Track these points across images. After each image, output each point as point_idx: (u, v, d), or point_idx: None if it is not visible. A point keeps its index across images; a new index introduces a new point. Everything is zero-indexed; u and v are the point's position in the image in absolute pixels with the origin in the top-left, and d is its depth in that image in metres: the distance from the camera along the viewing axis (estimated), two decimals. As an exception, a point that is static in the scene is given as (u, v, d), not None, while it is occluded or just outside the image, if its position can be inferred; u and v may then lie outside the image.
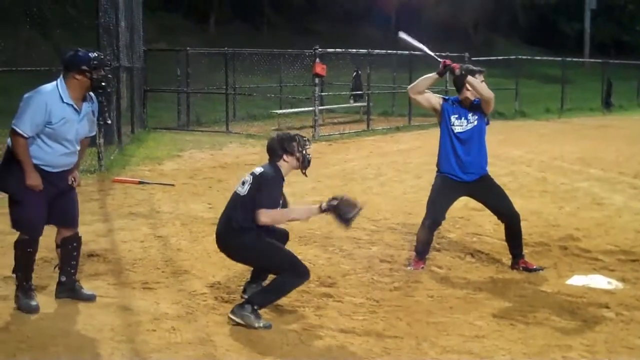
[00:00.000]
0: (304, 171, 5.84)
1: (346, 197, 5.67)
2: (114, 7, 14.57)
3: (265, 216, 5.47)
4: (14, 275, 5.74)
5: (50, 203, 5.64)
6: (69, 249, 5.90)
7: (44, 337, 5.23)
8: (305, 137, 5.88)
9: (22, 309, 5.61)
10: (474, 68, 6.97)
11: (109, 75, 5.83)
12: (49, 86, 5.53)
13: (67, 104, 5.50)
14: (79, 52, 5.60)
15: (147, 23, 22.51)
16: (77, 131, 5.63)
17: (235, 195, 5.69)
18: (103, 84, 5.67)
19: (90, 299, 5.92)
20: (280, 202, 5.62)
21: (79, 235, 5.99)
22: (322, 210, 5.58)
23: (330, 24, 44.89)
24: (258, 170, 5.71)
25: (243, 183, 5.68)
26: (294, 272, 5.57)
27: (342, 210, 5.56)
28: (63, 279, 5.92)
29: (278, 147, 5.71)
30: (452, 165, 6.97)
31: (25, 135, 5.36)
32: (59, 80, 5.55)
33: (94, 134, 6.05)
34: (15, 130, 5.37)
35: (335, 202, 5.57)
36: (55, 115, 5.43)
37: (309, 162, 5.81)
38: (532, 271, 7.03)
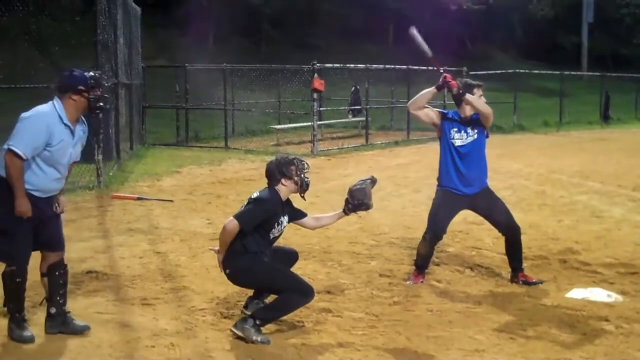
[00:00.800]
0: (302, 195, 5.86)
1: (353, 189, 6.03)
2: (112, 25, 14.62)
3: (229, 225, 5.48)
4: (5, 308, 5.49)
5: (35, 229, 5.39)
6: (56, 277, 5.60)
7: (43, 354, 5.22)
8: (303, 160, 5.91)
9: (15, 340, 5.37)
10: (472, 82, 7.00)
11: (106, 95, 5.65)
12: (45, 107, 5.36)
13: (66, 125, 5.34)
14: (74, 72, 5.47)
15: (146, 40, 22.55)
16: (71, 155, 5.46)
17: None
18: (100, 104, 5.51)
19: (84, 330, 5.61)
20: (255, 223, 5.59)
21: (65, 262, 5.70)
22: (347, 214, 6.07)
23: (328, 39, 45.00)
24: (255, 194, 5.75)
25: (241, 207, 5.74)
26: (299, 291, 5.59)
27: (358, 204, 6.00)
28: (53, 310, 5.61)
29: (276, 172, 5.74)
30: (453, 179, 6.97)
31: (24, 156, 5.15)
32: (54, 101, 5.38)
33: (79, 159, 5.76)
34: (13, 150, 5.12)
35: (350, 205, 6.01)
36: (55, 137, 5.26)
37: (307, 185, 5.84)
38: (532, 284, 7.02)
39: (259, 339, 5.40)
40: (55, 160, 5.33)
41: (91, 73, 5.54)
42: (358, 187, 6.04)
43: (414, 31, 6.95)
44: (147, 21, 23.34)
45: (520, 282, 7.05)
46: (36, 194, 5.31)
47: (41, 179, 5.32)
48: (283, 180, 5.73)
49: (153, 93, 22.38)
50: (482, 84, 7.03)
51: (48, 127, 5.24)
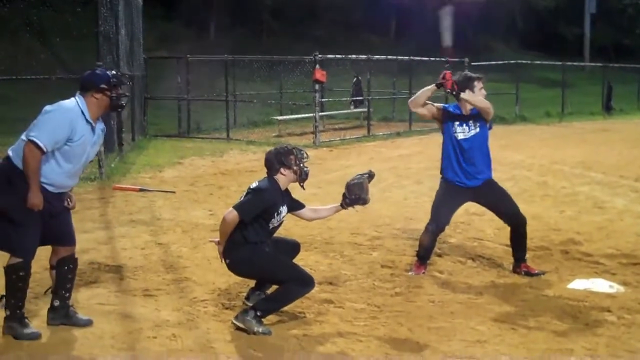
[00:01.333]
0: (301, 184, 5.87)
1: (350, 184, 6.01)
2: (113, 16, 14.60)
3: (229, 216, 5.50)
4: (4, 306, 5.37)
5: (45, 224, 5.32)
6: (65, 271, 5.58)
7: (45, 345, 5.22)
8: (302, 150, 5.91)
9: (21, 339, 5.26)
10: (472, 75, 6.98)
11: (127, 94, 5.61)
12: (69, 103, 5.30)
13: (88, 121, 5.30)
14: (96, 71, 5.46)
15: (148, 31, 22.52)
16: (89, 154, 5.43)
17: None
18: (122, 102, 5.50)
19: (87, 324, 5.58)
20: (255, 213, 5.59)
21: (76, 257, 5.69)
22: (345, 208, 6.07)
23: (330, 30, 44.94)
24: (254, 184, 5.75)
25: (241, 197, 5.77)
26: (299, 281, 5.59)
27: (355, 199, 5.99)
28: (56, 303, 5.57)
29: (275, 161, 5.75)
30: (456, 172, 6.95)
31: (45, 149, 5.09)
32: (77, 97, 5.32)
33: (92, 159, 5.80)
34: (35, 142, 5.05)
35: (347, 200, 6.00)
36: (78, 132, 5.21)
37: (306, 174, 5.85)
38: (534, 275, 7.01)
39: (260, 330, 5.41)
40: (73, 156, 5.28)
41: (113, 72, 5.52)
42: (355, 181, 6.03)
43: (446, 10, 6.91)
44: (149, 12, 23.36)
45: (523, 273, 7.05)
46: (49, 188, 5.26)
47: (57, 174, 5.27)
48: (282, 170, 5.73)
49: (155, 84, 22.37)
50: (482, 76, 7.00)
51: (71, 122, 5.20)
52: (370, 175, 6.11)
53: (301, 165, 5.79)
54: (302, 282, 5.61)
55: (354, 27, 46.13)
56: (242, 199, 5.69)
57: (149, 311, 5.94)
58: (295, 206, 6.00)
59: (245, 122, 22.94)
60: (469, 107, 6.89)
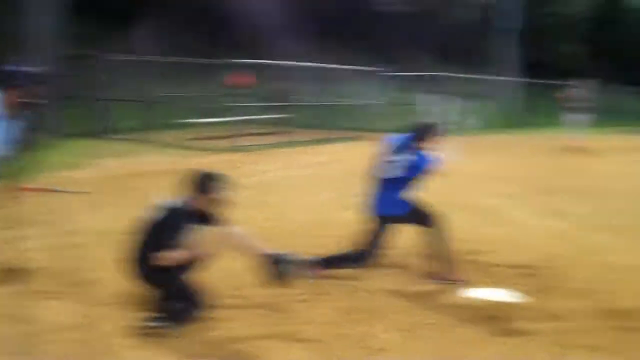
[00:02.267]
0: (220, 211, 5.92)
1: (282, 260, 6.19)
2: (24, 11, 14.25)
3: (161, 260, 5.56)
4: None
5: None
6: None
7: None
8: (224, 177, 5.94)
9: None
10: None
11: (41, 94, 5.48)
12: None
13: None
14: (8, 68, 5.37)
15: (68, 28, 22.03)
16: None
17: (142, 223, 5.82)
18: (35, 101, 5.40)
19: None
20: (176, 241, 5.62)
21: None
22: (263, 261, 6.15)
23: (255, 34, 44.84)
24: (167, 203, 5.78)
25: (151, 210, 5.79)
26: (191, 302, 5.71)
27: (274, 272, 6.16)
28: None
29: (194, 185, 5.78)
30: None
31: None
32: None
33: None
34: None
35: (273, 263, 6.14)
36: None
37: (224, 203, 5.88)
38: (449, 283, 7.12)
39: (166, 330, 5.44)
40: None
41: (27, 69, 5.36)
42: (288, 266, 6.18)
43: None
44: (69, 9, 22.80)
45: (436, 281, 7.16)
46: None
47: None
48: (200, 195, 5.76)
49: (71, 83, 21.86)
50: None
51: None
52: (299, 264, 6.29)
53: (220, 193, 5.80)
54: (194, 303, 5.71)
55: (280, 32, 46.15)
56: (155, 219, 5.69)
57: (51, 314, 5.83)
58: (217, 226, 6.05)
59: (163, 124, 22.67)
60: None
